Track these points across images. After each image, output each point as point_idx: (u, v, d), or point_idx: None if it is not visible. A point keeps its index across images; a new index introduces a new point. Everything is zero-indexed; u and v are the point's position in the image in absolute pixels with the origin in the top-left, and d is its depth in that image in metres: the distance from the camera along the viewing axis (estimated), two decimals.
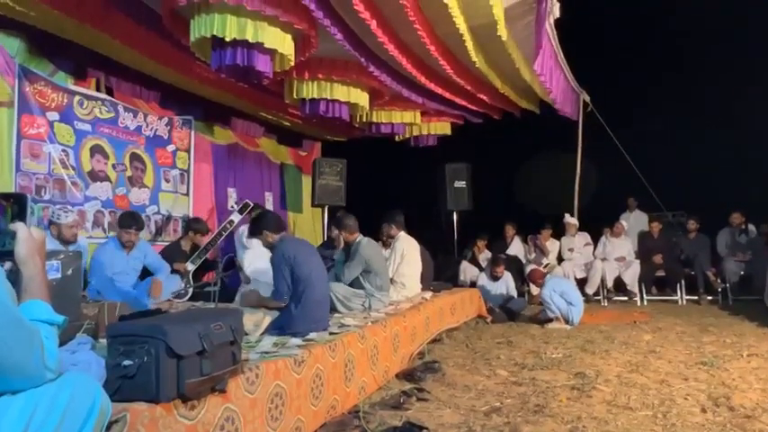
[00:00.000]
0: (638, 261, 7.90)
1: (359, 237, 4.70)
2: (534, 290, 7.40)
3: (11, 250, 1.33)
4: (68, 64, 5.55)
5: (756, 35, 8.43)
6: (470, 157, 8.99)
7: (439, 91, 6.65)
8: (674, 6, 8.97)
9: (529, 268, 7.45)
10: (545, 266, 7.43)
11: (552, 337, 5.29)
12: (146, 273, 5.19)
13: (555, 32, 6.05)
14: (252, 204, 6.53)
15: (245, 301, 3.71)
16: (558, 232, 8.41)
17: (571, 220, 8.34)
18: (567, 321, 5.98)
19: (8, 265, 1.34)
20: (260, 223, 3.69)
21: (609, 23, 9.32)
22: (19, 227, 1.35)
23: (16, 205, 1.39)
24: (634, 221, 8.77)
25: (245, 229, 6.21)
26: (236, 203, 7.63)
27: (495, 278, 7.13)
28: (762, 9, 8.02)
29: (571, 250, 8.26)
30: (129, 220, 5.02)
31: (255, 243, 4.72)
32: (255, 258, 5.42)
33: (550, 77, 6.47)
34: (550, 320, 6.04)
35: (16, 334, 1.15)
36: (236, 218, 6.39)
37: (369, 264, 4.50)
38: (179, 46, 5.11)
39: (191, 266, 5.75)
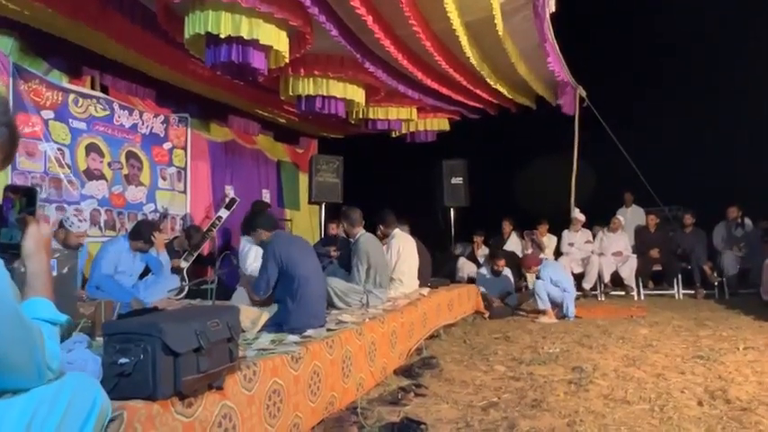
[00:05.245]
0: (634, 256, 7.93)
1: (360, 232, 4.69)
2: (530, 280, 7.36)
3: (18, 243, 1.31)
4: (63, 62, 5.51)
5: (754, 29, 8.43)
6: (467, 153, 8.97)
7: (435, 86, 6.64)
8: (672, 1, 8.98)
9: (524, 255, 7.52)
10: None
11: (549, 332, 5.30)
12: (145, 272, 5.17)
13: (551, 26, 6.05)
14: (238, 200, 6.52)
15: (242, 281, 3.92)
16: (555, 227, 8.41)
17: (580, 216, 8.28)
18: (561, 310, 6.05)
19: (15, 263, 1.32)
20: (254, 221, 3.86)
21: (604, 17, 9.31)
22: (30, 220, 1.33)
23: (25, 198, 1.37)
24: (631, 216, 8.77)
25: None
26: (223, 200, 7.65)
27: (495, 273, 7.10)
28: (762, 5, 8.03)
29: (571, 245, 8.26)
30: (147, 233, 4.90)
31: None
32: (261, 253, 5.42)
33: (558, 70, 6.48)
34: (540, 313, 6.07)
35: (17, 332, 1.13)
36: (223, 213, 6.39)
37: (368, 259, 4.51)
38: (174, 43, 5.09)
39: (183, 264, 5.74)
